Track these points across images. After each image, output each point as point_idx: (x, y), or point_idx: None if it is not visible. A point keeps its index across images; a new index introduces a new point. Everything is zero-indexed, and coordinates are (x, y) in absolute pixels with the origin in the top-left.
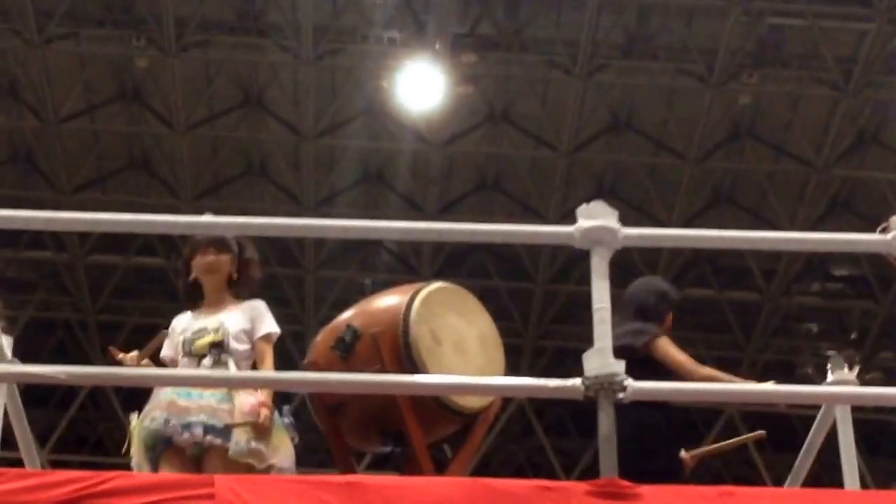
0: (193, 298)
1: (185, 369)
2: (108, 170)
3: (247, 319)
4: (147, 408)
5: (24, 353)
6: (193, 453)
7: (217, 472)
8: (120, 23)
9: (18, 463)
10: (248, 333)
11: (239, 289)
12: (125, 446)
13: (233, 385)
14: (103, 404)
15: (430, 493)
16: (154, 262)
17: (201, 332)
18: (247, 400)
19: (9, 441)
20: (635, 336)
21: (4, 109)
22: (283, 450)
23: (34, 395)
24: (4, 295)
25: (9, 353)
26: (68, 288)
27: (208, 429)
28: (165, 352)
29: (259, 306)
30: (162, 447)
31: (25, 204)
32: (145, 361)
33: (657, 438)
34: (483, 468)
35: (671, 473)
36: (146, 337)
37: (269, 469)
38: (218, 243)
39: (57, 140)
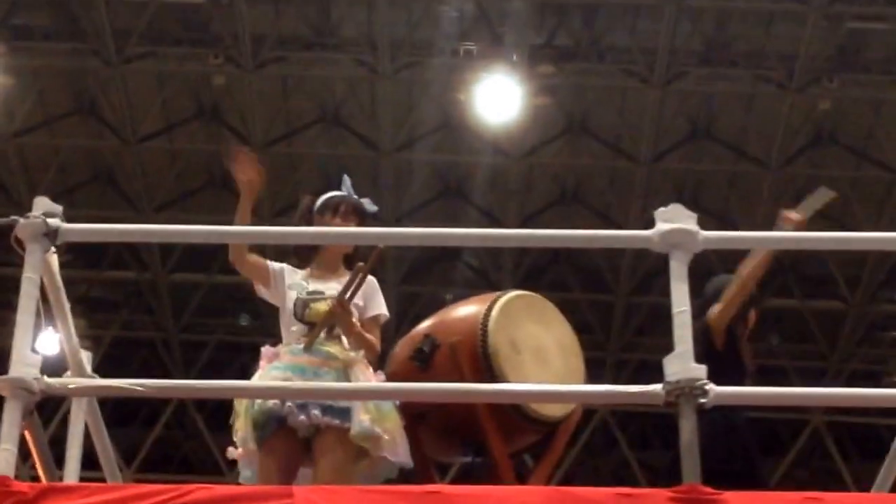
0: (303, 254)
1: (287, 353)
2: (187, 188)
3: (360, 294)
4: (257, 380)
5: (108, 372)
6: (305, 435)
7: (330, 453)
8: (197, 41)
9: (101, 482)
10: (360, 309)
11: (352, 262)
12: (231, 418)
13: (322, 395)
14: (187, 423)
15: (511, 502)
16: (236, 280)
17: (316, 295)
18: (365, 379)
19: (92, 459)
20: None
21: (85, 129)
22: (398, 441)
23: (119, 415)
24: (88, 315)
25: (88, 367)
26: (151, 307)
27: (326, 409)
28: (262, 291)
29: (373, 283)
30: (273, 427)
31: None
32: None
33: (732, 442)
34: (567, 482)
35: (748, 478)
36: (230, 354)
37: (381, 460)
38: (361, 214)
39: (137, 159)
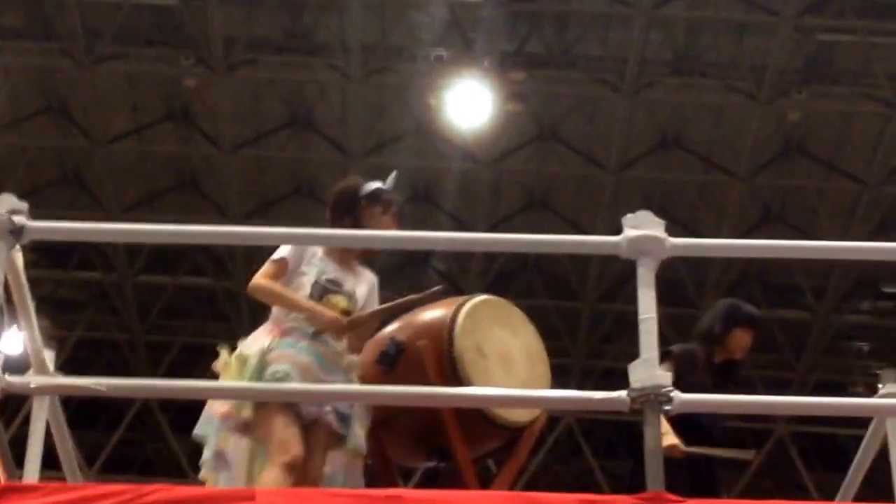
0: None
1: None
2: (156, 190)
3: (366, 294)
4: (268, 349)
5: (72, 372)
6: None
7: (327, 449)
8: (168, 42)
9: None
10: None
11: (364, 260)
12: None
13: (286, 398)
14: (151, 425)
15: None
16: (202, 282)
17: (336, 285)
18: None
19: (54, 460)
20: None
21: (54, 130)
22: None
23: (82, 416)
24: (54, 315)
25: (51, 366)
26: (117, 308)
27: (341, 418)
28: (277, 264)
29: (376, 284)
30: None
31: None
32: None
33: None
34: (530, 488)
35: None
36: (194, 357)
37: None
38: (401, 217)
39: (106, 160)
